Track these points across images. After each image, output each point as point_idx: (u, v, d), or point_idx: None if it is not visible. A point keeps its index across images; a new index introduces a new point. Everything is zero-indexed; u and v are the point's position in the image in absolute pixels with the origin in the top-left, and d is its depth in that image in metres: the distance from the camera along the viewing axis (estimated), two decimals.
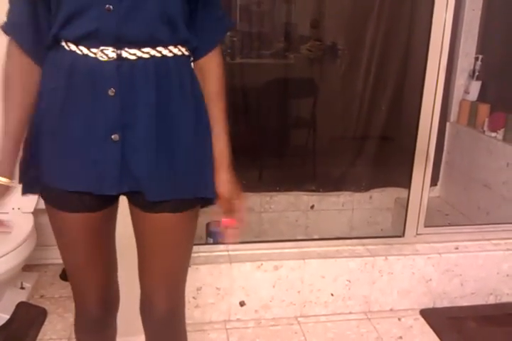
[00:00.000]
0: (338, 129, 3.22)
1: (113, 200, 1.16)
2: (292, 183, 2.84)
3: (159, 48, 1.03)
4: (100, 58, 1.00)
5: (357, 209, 2.79)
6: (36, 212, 2.11)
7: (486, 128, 2.61)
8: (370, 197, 2.81)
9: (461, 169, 2.74)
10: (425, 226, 2.16)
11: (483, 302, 2.19)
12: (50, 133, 1.07)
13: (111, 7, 0.99)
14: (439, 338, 1.99)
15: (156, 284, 1.19)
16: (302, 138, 3.21)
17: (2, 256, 1.84)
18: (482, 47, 2.78)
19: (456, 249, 2.13)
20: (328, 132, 3.18)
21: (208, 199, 1.16)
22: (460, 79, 2.80)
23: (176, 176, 1.08)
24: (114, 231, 1.24)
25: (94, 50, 1.00)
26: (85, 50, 1.01)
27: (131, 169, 1.05)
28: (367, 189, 2.84)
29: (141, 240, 1.18)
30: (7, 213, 2.09)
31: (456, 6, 2.03)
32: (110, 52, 1.00)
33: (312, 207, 2.77)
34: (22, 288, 2.25)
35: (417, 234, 2.15)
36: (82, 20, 1.00)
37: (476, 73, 2.74)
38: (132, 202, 1.15)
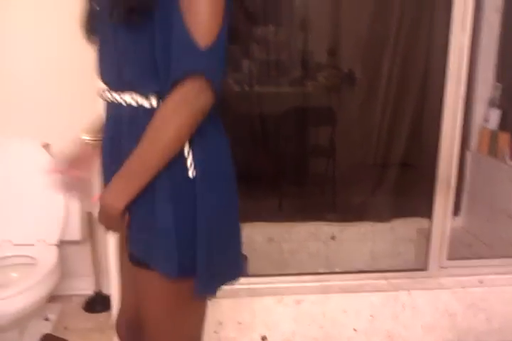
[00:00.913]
0: (357, 157, 3.21)
1: None
2: (312, 212, 2.83)
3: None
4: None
5: (378, 239, 2.76)
6: (61, 244, 2.12)
7: (507, 157, 2.58)
8: (392, 228, 2.78)
9: (483, 199, 2.70)
10: (448, 259, 2.13)
11: (511, 339, 2.14)
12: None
13: None
14: None
15: None
16: (321, 167, 3.21)
17: (28, 289, 1.86)
18: (501, 75, 2.77)
19: (481, 282, 2.10)
20: (348, 160, 3.18)
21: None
22: (479, 108, 2.78)
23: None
24: None
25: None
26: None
27: None
28: (388, 219, 2.82)
29: None
30: (32, 245, 2.12)
31: (473, 34, 2.03)
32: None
33: (333, 237, 2.75)
34: (46, 319, 2.26)
35: (441, 267, 2.12)
36: None
37: (496, 101, 2.72)
38: None
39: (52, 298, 2.30)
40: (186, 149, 1.00)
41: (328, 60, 3.60)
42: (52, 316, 2.29)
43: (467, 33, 1.97)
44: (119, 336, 1.32)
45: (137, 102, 1.02)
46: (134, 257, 1.09)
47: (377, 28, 3.26)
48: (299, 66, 3.56)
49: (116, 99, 1.06)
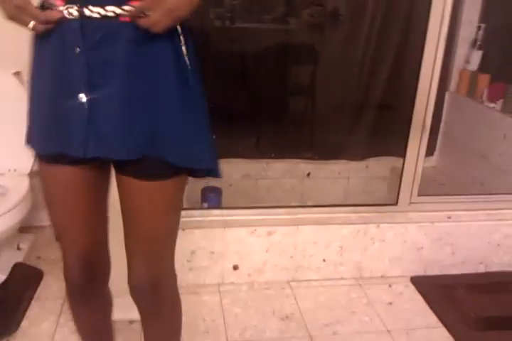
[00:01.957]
0: (336, 97, 3.19)
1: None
2: (289, 150, 2.84)
3: (126, 7, 0.99)
4: (67, 16, 0.99)
5: (353, 177, 2.80)
6: (32, 174, 2.11)
7: (484, 98, 2.60)
8: (367, 166, 2.81)
9: (458, 139, 2.73)
10: (419, 195, 2.18)
11: (473, 271, 2.22)
12: (31, 94, 1.09)
13: None
14: (429, 305, 2.03)
15: (135, 249, 1.17)
16: (300, 106, 3.19)
17: None
18: (485, 16, 2.73)
19: (449, 218, 2.15)
20: (327, 100, 3.16)
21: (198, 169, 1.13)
22: (461, 49, 2.76)
23: (153, 140, 1.05)
24: (105, 194, 1.22)
25: (60, 8, 1.00)
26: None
27: (99, 130, 1.02)
28: (363, 157, 2.85)
29: (123, 205, 1.16)
30: (3, 174, 2.11)
31: None
32: (74, 11, 0.99)
33: (308, 174, 2.77)
34: (18, 249, 2.28)
35: (411, 203, 2.16)
36: None
37: (478, 43, 2.70)
38: (114, 166, 1.14)
39: (25, 229, 2.31)
40: (181, 39, 1.05)
41: None
42: (24, 246, 2.30)
43: None
44: (71, 280, 1.23)
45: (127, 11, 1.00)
46: (170, 167, 1.08)
47: None
48: (283, 2, 3.47)
49: (100, 14, 0.99)
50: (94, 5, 0.98)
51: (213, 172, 1.14)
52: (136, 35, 1.00)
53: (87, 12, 0.98)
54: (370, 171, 2.80)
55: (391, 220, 2.12)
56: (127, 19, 0.99)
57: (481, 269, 2.23)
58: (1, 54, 2.21)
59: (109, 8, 0.98)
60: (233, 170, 2.70)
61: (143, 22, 0.98)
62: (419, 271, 2.19)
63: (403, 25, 3.06)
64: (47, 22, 1.01)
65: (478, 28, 2.73)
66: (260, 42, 3.11)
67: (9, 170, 2.12)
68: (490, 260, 2.22)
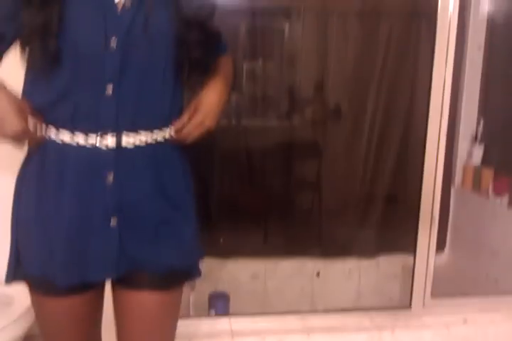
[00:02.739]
0: (342, 192, 3.21)
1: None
2: (297, 247, 2.81)
3: (156, 132, 1.06)
4: (102, 148, 1.02)
5: (364, 276, 2.74)
6: None
7: (490, 193, 2.59)
8: (377, 264, 2.76)
9: (468, 235, 2.70)
10: (432, 297, 2.11)
11: None
12: (36, 220, 1.05)
13: (111, 90, 1.00)
14: None
15: None
16: (307, 201, 3.20)
17: (2, 328, 1.81)
18: (483, 111, 2.80)
19: (465, 321, 2.07)
20: (333, 194, 3.18)
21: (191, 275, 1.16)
22: (463, 144, 2.80)
23: (173, 248, 1.10)
24: (100, 320, 1.21)
25: (91, 136, 1.01)
26: (81, 140, 1.01)
27: (128, 249, 1.06)
28: (373, 254, 2.80)
29: (120, 321, 1.15)
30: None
31: (456, 71, 2.06)
32: (109, 140, 1.01)
33: (318, 274, 2.72)
34: None
35: (424, 306, 2.10)
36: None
37: (479, 137, 2.75)
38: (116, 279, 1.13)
39: (30, 337, 2.25)
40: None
41: (314, 95, 3.63)
42: None
43: (449, 69, 2.00)
44: None
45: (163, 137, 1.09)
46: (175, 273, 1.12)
47: (363, 65, 3.32)
48: (286, 101, 3.60)
49: (130, 142, 1.04)
50: (130, 130, 1.03)
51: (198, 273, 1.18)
52: (163, 150, 1.08)
53: (125, 142, 1.02)
54: (381, 269, 2.75)
55: (405, 325, 2.05)
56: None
57: None
58: None
59: (152, 133, 1.05)
60: (241, 270, 2.65)
61: (179, 135, 1.08)
62: None
63: (404, 121, 3.15)
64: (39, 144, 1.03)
65: (478, 122, 2.78)
66: (265, 139, 3.19)
67: None
68: None
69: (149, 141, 1.05)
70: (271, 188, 3.11)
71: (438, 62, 1.99)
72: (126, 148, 1.03)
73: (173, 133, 1.08)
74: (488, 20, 2.77)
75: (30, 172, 1.06)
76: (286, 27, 3.79)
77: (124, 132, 1.02)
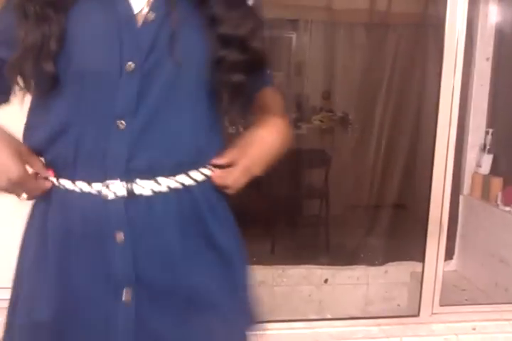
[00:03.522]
0: (350, 199, 3.23)
1: None
2: (305, 255, 2.81)
3: (180, 177, 0.83)
4: (105, 196, 0.80)
5: (372, 283, 2.74)
6: None
7: (499, 202, 2.60)
8: (386, 271, 2.76)
9: (476, 243, 2.70)
10: (441, 304, 2.11)
11: None
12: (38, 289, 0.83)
13: (124, 126, 0.79)
14: None
15: None
16: (315, 209, 3.22)
17: None
18: (492, 121, 2.81)
19: (474, 329, 2.07)
20: (341, 202, 3.19)
21: None
22: (471, 153, 2.81)
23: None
24: None
25: (96, 184, 0.80)
26: (84, 187, 0.81)
27: (150, 328, 0.83)
28: (382, 262, 2.80)
29: None
30: None
31: (464, 82, 2.08)
32: (119, 189, 0.80)
33: (326, 281, 2.72)
34: None
35: (433, 314, 2.10)
36: (74, 138, 0.80)
37: (487, 147, 2.76)
38: None
39: None
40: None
41: (322, 103, 3.67)
42: None
43: (458, 79, 2.02)
44: None
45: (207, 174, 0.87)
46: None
47: (371, 74, 3.35)
48: (295, 109, 3.63)
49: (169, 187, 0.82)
50: (146, 177, 0.81)
51: None
52: (193, 195, 0.85)
53: (137, 190, 0.80)
54: (390, 277, 2.74)
55: (414, 333, 2.04)
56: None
57: None
58: None
59: (162, 179, 0.82)
60: None
61: (219, 181, 0.86)
62: None
63: (412, 129, 3.17)
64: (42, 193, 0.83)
65: (487, 132, 2.79)
66: None
67: None
68: None
69: (173, 185, 0.82)
70: (279, 196, 3.13)
71: (446, 73, 2.01)
72: (141, 196, 0.81)
73: (210, 175, 0.86)
74: (496, 31, 2.79)
75: (32, 226, 0.87)
76: (294, 37, 3.84)
77: (137, 180, 0.80)
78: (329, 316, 2.24)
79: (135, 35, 0.79)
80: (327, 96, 3.63)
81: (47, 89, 0.79)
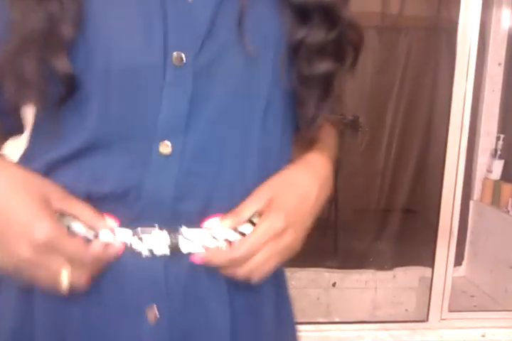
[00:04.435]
0: (359, 203, 3.22)
1: None
2: (313, 259, 2.80)
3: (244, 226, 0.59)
4: (137, 253, 0.55)
5: (380, 287, 2.73)
6: None
7: (510, 208, 2.59)
8: (394, 276, 2.75)
9: (486, 249, 2.69)
10: (450, 311, 2.10)
11: None
12: None
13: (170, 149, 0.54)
14: None
15: None
16: (324, 212, 3.21)
17: None
18: (503, 126, 2.80)
19: (483, 336, 2.06)
20: (350, 206, 3.18)
21: None
22: (482, 158, 2.80)
23: None
24: None
25: (122, 232, 0.55)
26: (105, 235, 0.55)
27: None
28: (390, 267, 2.79)
29: None
30: None
31: (476, 87, 2.07)
32: (157, 241, 0.55)
33: (334, 284, 2.72)
34: None
35: (442, 319, 2.09)
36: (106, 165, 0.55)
37: (499, 152, 2.75)
38: None
39: None
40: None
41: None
42: None
43: (470, 84, 2.01)
44: None
45: None
46: None
47: (382, 77, 3.34)
48: None
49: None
50: (193, 226, 0.56)
51: None
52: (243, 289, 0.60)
53: (184, 245, 0.55)
54: (398, 281, 2.74)
55: (422, 338, 2.03)
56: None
57: None
58: None
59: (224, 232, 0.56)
60: None
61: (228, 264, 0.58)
62: None
63: (423, 134, 3.15)
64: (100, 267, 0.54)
65: (498, 138, 2.79)
66: None
67: None
68: None
69: (233, 238, 0.58)
70: None
71: (458, 77, 2.01)
72: (187, 254, 0.56)
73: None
74: (508, 36, 2.78)
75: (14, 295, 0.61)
76: None
77: (184, 230, 0.55)
78: (337, 319, 2.23)
79: (186, 13, 0.53)
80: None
81: (58, 98, 0.53)
